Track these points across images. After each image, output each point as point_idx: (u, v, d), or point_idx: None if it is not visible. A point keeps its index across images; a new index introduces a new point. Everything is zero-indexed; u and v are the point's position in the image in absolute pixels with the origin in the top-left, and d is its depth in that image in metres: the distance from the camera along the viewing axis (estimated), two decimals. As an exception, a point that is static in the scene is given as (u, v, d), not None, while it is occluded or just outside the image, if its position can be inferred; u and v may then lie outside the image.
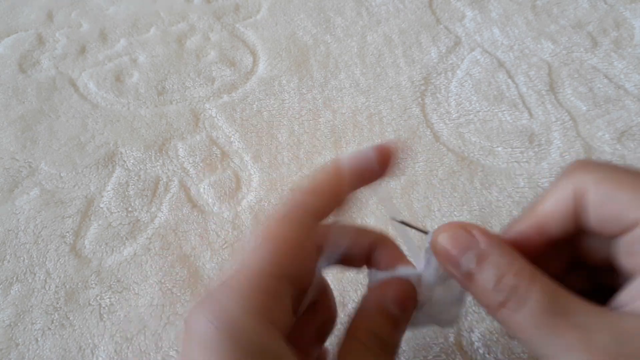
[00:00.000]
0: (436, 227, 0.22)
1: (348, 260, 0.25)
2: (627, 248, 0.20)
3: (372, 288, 0.24)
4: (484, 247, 0.20)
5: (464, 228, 0.21)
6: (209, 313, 0.19)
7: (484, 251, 0.20)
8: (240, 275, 0.20)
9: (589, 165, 0.21)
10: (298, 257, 0.21)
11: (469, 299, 0.26)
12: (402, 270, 0.24)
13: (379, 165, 0.24)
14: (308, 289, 0.23)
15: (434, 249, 0.22)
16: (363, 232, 0.26)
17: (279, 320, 0.20)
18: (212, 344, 0.19)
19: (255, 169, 0.42)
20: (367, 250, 0.25)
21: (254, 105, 0.47)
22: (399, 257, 0.25)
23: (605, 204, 0.20)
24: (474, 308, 0.33)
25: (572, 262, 0.23)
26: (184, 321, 0.20)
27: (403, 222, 0.25)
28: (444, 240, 0.21)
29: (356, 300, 0.34)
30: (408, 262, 0.25)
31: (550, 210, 0.21)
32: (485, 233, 0.21)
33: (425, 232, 0.23)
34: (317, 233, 0.22)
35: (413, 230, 0.25)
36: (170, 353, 0.32)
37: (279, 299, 0.20)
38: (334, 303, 0.26)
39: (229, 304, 0.19)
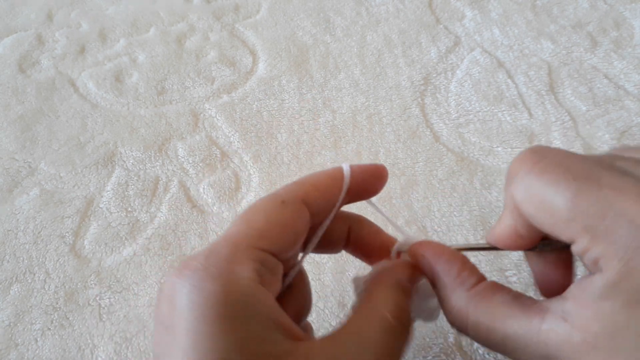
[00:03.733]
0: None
1: (327, 244, 0.26)
2: (578, 256, 0.21)
3: (381, 267, 0.25)
4: (430, 277, 0.23)
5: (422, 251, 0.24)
6: (201, 273, 0.18)
7: (434, 280, 0.23)
8: (229, 241, 0.20)
9: (518, 170, 0.20)
10: (287, 235, 0.22)
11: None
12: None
13: (375, 184, 0.26)
14: (290, 271, 0.24)
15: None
16: (340, 215, 0.26)
17: (270, 289, 0.20)
18: (206, 302, 0.17)
19: (254, 169, 0.42)
20: (346, 233, 0.26)
21: (254, 105, 0.47)
22: (377, 231, 0.26)
23: (538, 224, 0.20)
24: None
25: None
26: (160, 286, 0.20)
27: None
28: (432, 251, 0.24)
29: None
30: (386, 237, 0.26)
31: (512, 220, 0.22)
32: (437, 257, 0.23)
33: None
34: (306, 218, 0.23)
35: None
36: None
37: (269, 269, 0.21)
38: (310, 289, 0.26)
39: (221, 263, 0.19)
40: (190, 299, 0.18)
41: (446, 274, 0.22)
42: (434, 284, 0.23)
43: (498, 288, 0.21)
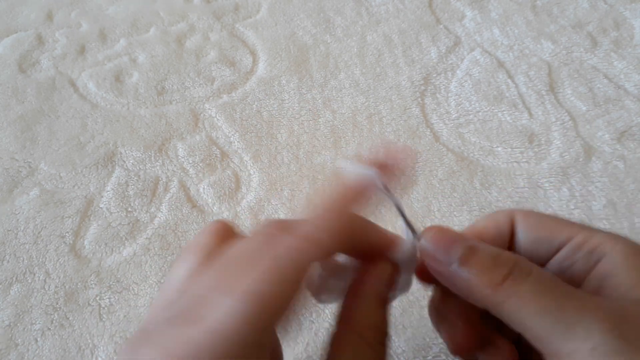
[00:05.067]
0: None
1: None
2: (558, 270, 0.21)
3: (360, 274, 0.23)
4: (471, 240, 0.21)
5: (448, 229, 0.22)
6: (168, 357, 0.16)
7: (473, 241, 0.21)
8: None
9: (517, 208, 0.22)
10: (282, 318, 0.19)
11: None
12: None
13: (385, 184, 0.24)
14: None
15: (423, 243, 0.22)
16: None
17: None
18: None
19: (254, 169, 0.42)
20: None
21: (254, 105, 0.47)
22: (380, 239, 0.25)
23: (534, 228, 0.22)
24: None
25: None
26: None
27: (403, 215, 0.25)
28: (433, 234, 0.22)
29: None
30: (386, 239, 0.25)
31: (486, 229, 0.23)
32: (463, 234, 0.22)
33: (411, 228, 0.24)
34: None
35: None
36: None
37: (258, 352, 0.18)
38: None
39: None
40: None
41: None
42: (458, 275, 0.21)
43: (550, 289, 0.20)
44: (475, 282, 0.20)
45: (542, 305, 0.19)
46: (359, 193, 0.22)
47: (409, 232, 0.24)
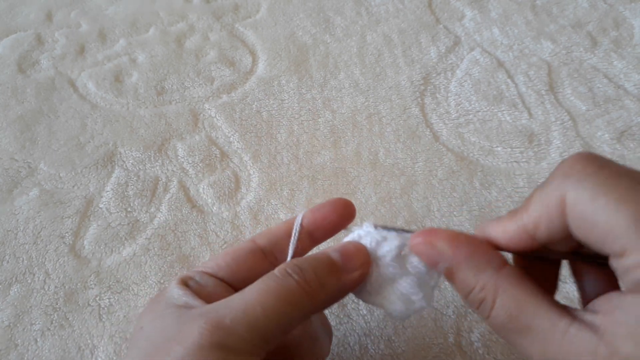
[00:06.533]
0: (434, 226, 0.23)
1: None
2: (618, 270, 0.20)
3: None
4: (450, 263, 0.22)
5: (433, 241, 0.23)
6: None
7: (452, 267, 0.22)
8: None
9: (579, 171, 0.20)
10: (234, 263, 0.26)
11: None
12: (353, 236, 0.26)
13: (338, 220, 0.26)
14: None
15: (413, 249, 0.24)
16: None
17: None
18: None
19: (254, 169, 0.42)
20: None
21: (253, 106, 0.47)
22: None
23: (584, 229, 0.19)
24: (473, 308, 0.33)
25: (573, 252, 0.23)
26: None
27: (386, 227, 0.25)
28: (419, 249, 0.23)
29: (355, 300, 0.34)
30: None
31: (538, 220, 0.21)
32: (455, 242, 0.22)
33: (409, 232, 0.24)
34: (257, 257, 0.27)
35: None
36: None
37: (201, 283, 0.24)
38: (324, 345, 0.28)
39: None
40: None
41: (472, 255, 0.22)
42: (453, 271, 0.22)
43: (526, 277, 0.21)
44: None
45: (505, 336, 0.21)
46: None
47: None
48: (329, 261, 0.24)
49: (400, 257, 0.24)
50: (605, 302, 0.19)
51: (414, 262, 0.24)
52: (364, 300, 0.25)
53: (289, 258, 0.26)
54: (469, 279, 0.21)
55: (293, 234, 0.26)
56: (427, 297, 0.24)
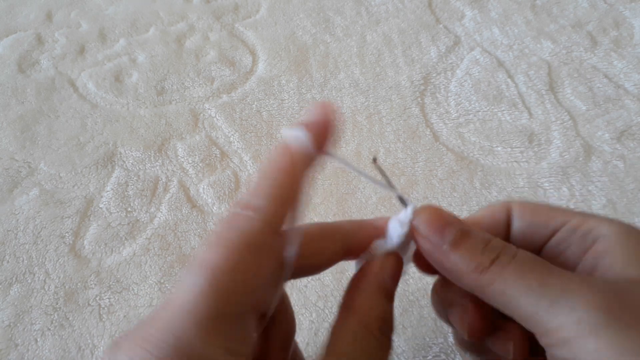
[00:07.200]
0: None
1: (314, 268, 0.23)
2: (552, 254, 0.22)
3: (365, 266, 0.23)
4: (465, 224, 0.21)
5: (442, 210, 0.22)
6: (144, 342, 0.16)
7: (467, 225, 0.21)
8: (179, 305, 0.17)
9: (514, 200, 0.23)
10: (253, 285, 0.19)
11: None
12: (381, 245, 0.23)
13: (316, 144, 0.22)
14: (270, 306, 0.21)
15: (417, 222, 0.22)
16: (328, 231, 0.23)
17: (238, 352, 0.18)
18: None
19: (254, 169, 0.42)
20: (338, 252, 0.23)
21: (253, 105, 0.47)
22: (364, 226, 0.24)
23: (529, 215, 0.22)
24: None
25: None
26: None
27: (389, 182, 0.24)
28: (428, 215, 0.22)
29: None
30: (371, 228, 0.24)
31: (482, 217, 0.23)
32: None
33: (405, 204, 0.23)
34: (278, 244, 0.20)
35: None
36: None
37: (235, 328, 0.18)
38: (292, 311, 0.24)
39: (175, 329, 0.16)
40: None
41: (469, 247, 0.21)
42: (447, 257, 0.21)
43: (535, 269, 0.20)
44: (464, 265, 0.20)
45: (526, 284, 0.19)
46: (296, 156, 0.21)
47: (402, 204, 0.23)
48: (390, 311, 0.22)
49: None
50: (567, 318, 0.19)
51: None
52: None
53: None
54: (485, 234, 0.21)
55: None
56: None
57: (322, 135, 0.22)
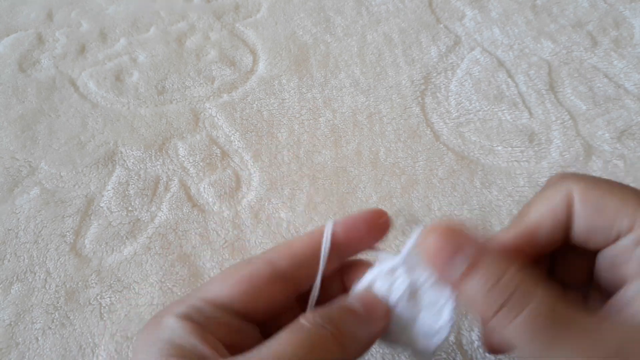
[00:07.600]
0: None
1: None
2: (611, 260, 0.21)
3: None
4: (477, 248, 0.19)
5: (455, 229, 0.20)
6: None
7: (478, 252, 0.19)
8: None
9: (575, 175, 0.21)
10: (244, 289, 0.22)
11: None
12: (376, 271, 0.23)
13: (373, 234, 0.23)
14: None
15: (423, 248, 0.21)
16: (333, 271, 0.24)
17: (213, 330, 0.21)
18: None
19: (255, 168, 0.42)
20: (341, 286, 0.25)
21: (254, 105, 0.47)
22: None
23: (594, 213, 0.20)
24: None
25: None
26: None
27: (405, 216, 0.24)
28: (434, 240, 0.20)
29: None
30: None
31: (542, 218, 0.21)
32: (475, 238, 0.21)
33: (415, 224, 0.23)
34: (267, 275, 0.22)
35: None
36: (171, 352, 0.32)
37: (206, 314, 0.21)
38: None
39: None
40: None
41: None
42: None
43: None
44: (475, 301, 0.19)
45: (532, 348, 0.18)
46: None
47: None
48: (355, 312, 0.22)
49: (413, 296, 0.23)
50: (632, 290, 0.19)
51: (429, 296, 0.22)
52: (388, 346, 0.24)
53: (317, 283, 0.23)
54: (499, 267, 0.19)
55: (322, 255, 0.22)
56: (449, 320, 0.22)
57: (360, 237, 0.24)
